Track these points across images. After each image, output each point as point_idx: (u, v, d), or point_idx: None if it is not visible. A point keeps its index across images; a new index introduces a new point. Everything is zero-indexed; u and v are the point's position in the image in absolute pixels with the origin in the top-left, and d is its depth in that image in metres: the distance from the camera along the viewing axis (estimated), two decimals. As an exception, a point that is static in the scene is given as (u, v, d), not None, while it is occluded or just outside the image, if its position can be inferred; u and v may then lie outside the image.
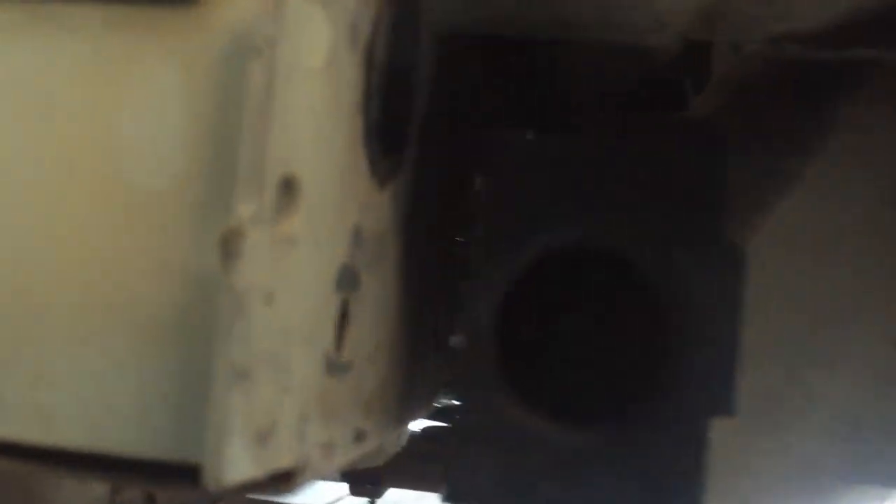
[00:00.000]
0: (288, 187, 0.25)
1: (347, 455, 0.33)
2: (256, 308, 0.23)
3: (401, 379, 0.43)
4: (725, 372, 0.36)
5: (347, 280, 0.31)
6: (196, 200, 0.27)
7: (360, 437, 0.35)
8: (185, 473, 0.25)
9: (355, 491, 1.19)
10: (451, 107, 0.45)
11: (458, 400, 0.38)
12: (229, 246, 0.23)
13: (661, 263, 0.37)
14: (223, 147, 0.27)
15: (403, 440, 0.96)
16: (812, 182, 0.57)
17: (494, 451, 0.37)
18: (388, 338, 0.38)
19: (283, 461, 0.26)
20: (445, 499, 0.37)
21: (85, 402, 0.26)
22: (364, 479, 1.15)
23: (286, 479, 0.26)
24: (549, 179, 0.38)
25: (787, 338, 0.64)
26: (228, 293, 0.23)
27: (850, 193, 0.60)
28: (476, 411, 0.37)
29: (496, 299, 0.38)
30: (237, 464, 0.23)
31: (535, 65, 0.45)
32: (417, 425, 1.07)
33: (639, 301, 0.40)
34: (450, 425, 0.38)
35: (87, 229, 0.27)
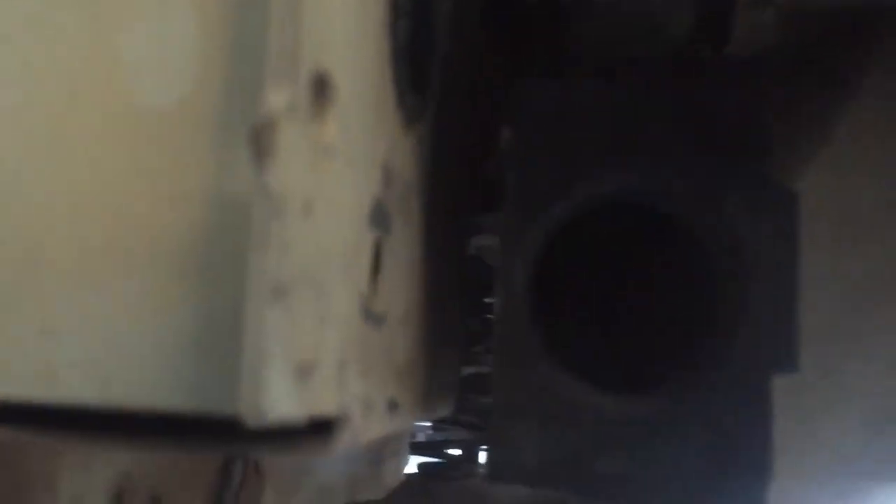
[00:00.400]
0: (322, 85, 0.22)
1: (383, 424, 0.29)
2: (295, 216, 0.20)
3: (429, 357, 0.39)
4: (787, 323, 0.33)
5: (380, 218, 0.27)
6: (213, 117, 0.24)
7: (393, 406, 0.31)
8: (216, 429, 0.22)
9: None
10: (472, 50, 0.42)
11: (497, 371, 0.34)
12: (262, 141, 0.19)
13: (709, 212, 0.34)
14: (241, 57, 0.24)
15: (402, 472, 0.92)
16: (834, 161, 0.55)
17: (540, 425, 0.34)
18: (418, 303, 0.35)
19: (326, 405, 0.22)
20: (489, 477, 0.34)
21: (96, 353, 0.23)
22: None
23: (328, 431, 0.23)
24: (581, 128, 0.35)
25: (816, 326, 0.61)
26: (263, 196, 0.19)
27: (875, 172, 0.57)
28: (517, 382, 0.34)
29: (531, 261, 0.35)
30: (279, 397, 0.20)
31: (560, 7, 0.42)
32: (412, 464, 1.04)
33: (684, 258, 0.37)
34: (491, 398, 0.34)
35: (91, 158, 0.24)
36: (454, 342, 0.47)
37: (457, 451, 1.11)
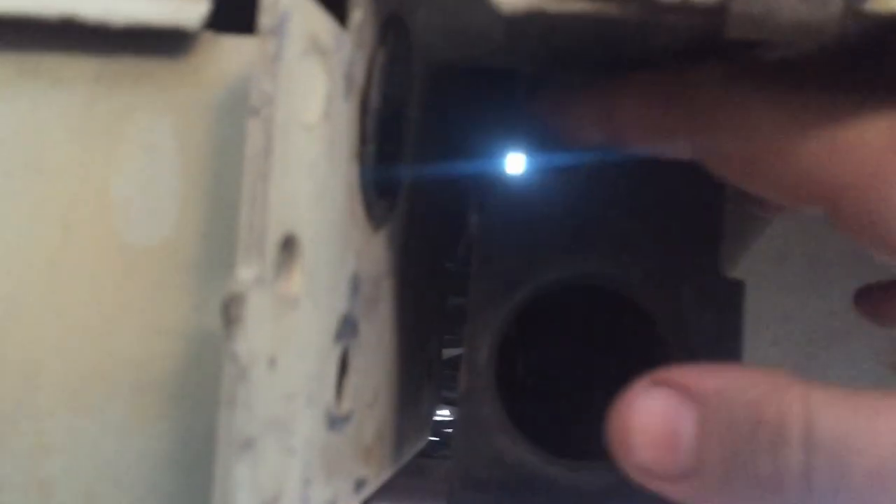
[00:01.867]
0: (288, 247, 0.24)
1: (349, 506, 0.32)
2: (260, 373, 0.23)
3: (399, 418, 0.42)
4: None
5: (347, 330, 0.30)
6: (192, 257, 0.26)
7: (360, 485, 0.34)
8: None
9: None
10: (444, 139, 0.44)
11: (457, 442, 0.37)
12: (231, 311, 0.22)
13: (663, 302, 0.37)
14: (219, 202, 0.27)
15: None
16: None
17: (497, 495, 0.36)
18: (387, 380, 0.38)
19: (289, 527, 0.25)
20: (448, 545, 0.37)
21: (85, 472, 0.25)
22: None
23: (291, 543, 0.25)
24: (543, 217, 0.38)
25: (782, 361, 0.64)
26: (231, 360, 0.22)
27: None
28: (476, 454, 0.37)
29: (495, 338, 0.38)
30: (243, 536, 0.22)
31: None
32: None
33: (641, 335, 0.40)
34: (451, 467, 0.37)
35: (82, 290, 0.26)
36: (429, 376, 0.49)
37: (449, 431, 1.15)
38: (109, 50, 0.27)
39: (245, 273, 0.22)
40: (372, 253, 0.33)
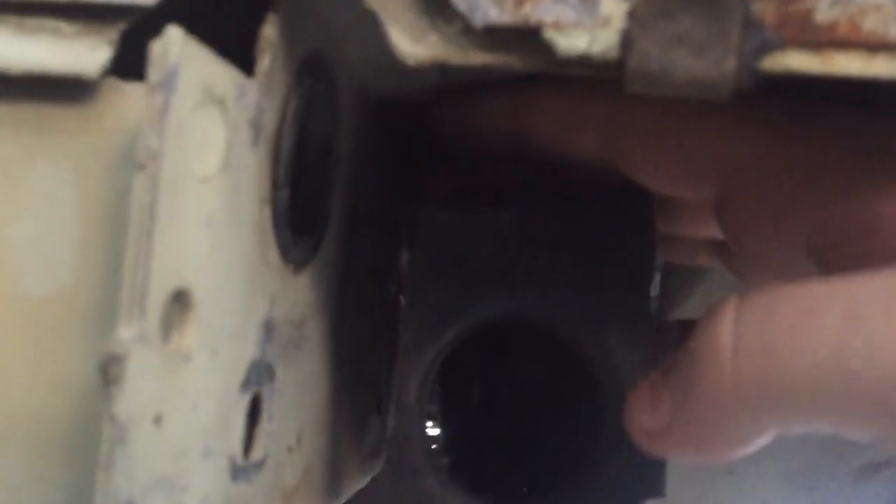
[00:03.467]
0: (180, 302, 0.24)
1: (264, 553, 0.32)
2: (142, 433, 0.22)
3: (335, 456, 0.42)
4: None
5: (258, 376, 0.30)
6: (91, 307, 0.26)
7: (280, 530, 0.33)
8: None
9: None
10: (381, 174, 0.44)
11: (385, 483, 0.37)
12: (110, 372, 0.22)
13: (591, 342, 0.37)
14: (119, 251, 0.26)
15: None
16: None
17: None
18: (316, 421, 0.37)
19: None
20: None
21: (-27, 525, 0.25)
22: None
23: None
24: (473, 256, 0.37)
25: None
26: (109, 422, 0.22)
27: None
28: (403, 494, 0.37)
29: (424, 380, 0.37)
30: None
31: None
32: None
33: (572, 374, 0.39)
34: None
35: (-25, 340, 0.26)
36: (378, 410, 0.49)
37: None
38: (9, 96, 0.26)
39: (125, 332, 0.22)
40: (292, 295, 0.33)
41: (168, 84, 0.22)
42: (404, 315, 0.38)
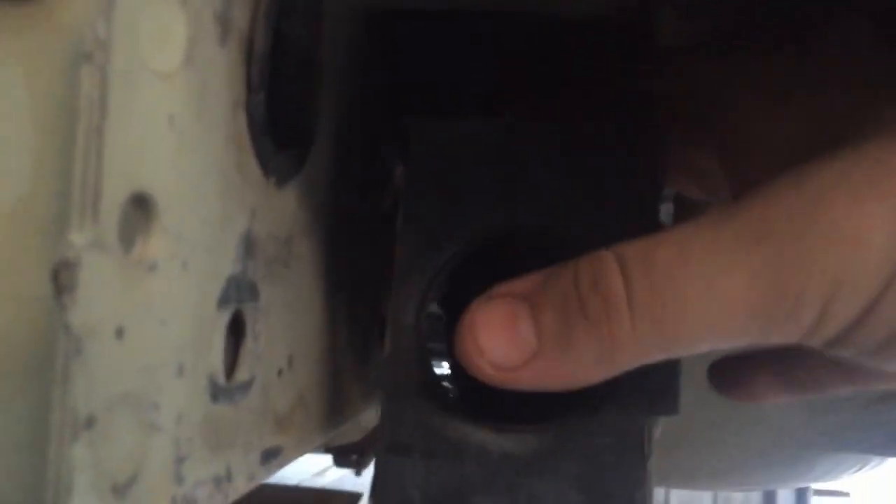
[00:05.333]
0: (141, 206, 0.22)
1: (255, 478, 0.31)
2: (103, 346, 0.21)
3: (334, 382, 0.40)
4: (668, 366, 0.34)
5: (237, 293, 0.28)
6: (47, 216, 0.24)
7: (271, 455, 0.32)
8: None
9: (339, 462, 1.18)
10: (373, 88, 0.42)
11: (383, 406, 0.35)
12: (61, 279, 0.20)
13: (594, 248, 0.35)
14: (74, 154, 0.24)
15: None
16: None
17: (424, 461, 0.35)
18: (308, 345, 0.36)
19: (155, 507, 0.23)
20: (373, 513, 0.35)
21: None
22: (348, 451, 1.15)
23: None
24: (471, 167, 0.35)
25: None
26: (64, 332, 0.20)
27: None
28: (402, 419, 0.35)
29: (421, 299, 0.36)
30: (88, 521, 0.21)
31: (465, 40, 0.42)
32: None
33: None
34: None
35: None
36: (382, 336, 0.47)
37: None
38: (-46, -6, 0.24)
39: (77, 238, 0.20)
40: (275, 210, 0.31)
41: (114, -35, 0.20)
42: (400, 232, 0.36)
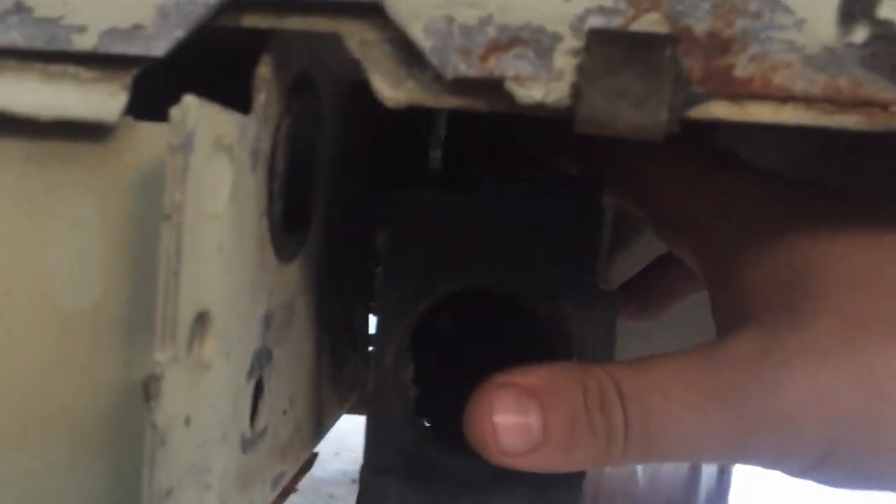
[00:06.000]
0: (201, 321, 0.28)
1: (267, 501, 0.38)
2: (177, 434, 0.27)
3: (319, 401, 0.47)
4: None
5: (261, 361, 0.35)
6: (117, 319, 0.31)
7: (278, 480, 0.39)
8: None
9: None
10: (355, 157, 0.48)
11: (367, 432, 0.42)
12: (150, 389, 0.26)
13: (545, 308, 0.42)
14: (140, 270, 0.31)
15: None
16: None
17: (401, 482, 0.42)
18: (304, 384, 0.42)
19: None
20: (358, 525, 0.42)
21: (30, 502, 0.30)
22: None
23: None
24: (442, 233, 0.42)
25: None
26: (151, 429, 0.27)
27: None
28: (383, 445, 0.42)
29: (399, 348, 0.42)
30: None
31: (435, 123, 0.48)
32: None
33: (532, 339, 0.45)
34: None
35: (24, 348, 0.30)
36: (354, 348, 0.54)
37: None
38: (38, 136, 0.30)
39: (161, 356, 0.26)
40: (284, 283, 0.37)
41: (186, 146, 0.26)
42: (381, 287, 0.42)
